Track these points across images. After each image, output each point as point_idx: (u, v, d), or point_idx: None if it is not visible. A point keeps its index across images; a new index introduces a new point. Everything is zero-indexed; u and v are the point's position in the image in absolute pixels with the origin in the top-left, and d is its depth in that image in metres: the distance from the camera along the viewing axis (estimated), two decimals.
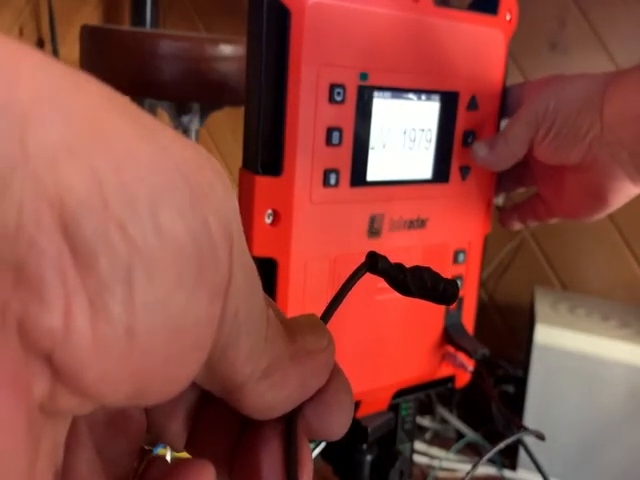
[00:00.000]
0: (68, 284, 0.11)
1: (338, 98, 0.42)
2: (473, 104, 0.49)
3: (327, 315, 0.18)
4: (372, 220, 0.45)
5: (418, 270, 0.19)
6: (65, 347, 0.11)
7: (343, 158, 0.43)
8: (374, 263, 0.19)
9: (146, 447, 0.18)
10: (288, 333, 0.16)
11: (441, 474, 0.81)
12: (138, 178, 0.11)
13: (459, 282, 0.51)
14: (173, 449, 0.18)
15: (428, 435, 0.87)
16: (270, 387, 0.15)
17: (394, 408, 0.52)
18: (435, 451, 0.84)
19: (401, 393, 0.51)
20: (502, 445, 0.40)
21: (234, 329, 0.14)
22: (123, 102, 0.12)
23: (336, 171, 0.43)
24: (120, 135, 0.12)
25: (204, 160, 0.13)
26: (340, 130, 0.42)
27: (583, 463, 0.78)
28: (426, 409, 0.90)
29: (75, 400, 0.12)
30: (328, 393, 0.17)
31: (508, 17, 0.50)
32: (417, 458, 0.81)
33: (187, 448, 0.18)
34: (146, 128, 0.12)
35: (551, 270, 1.02)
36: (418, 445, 0.83)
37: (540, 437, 0.43)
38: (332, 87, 0.41)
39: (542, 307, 0.83)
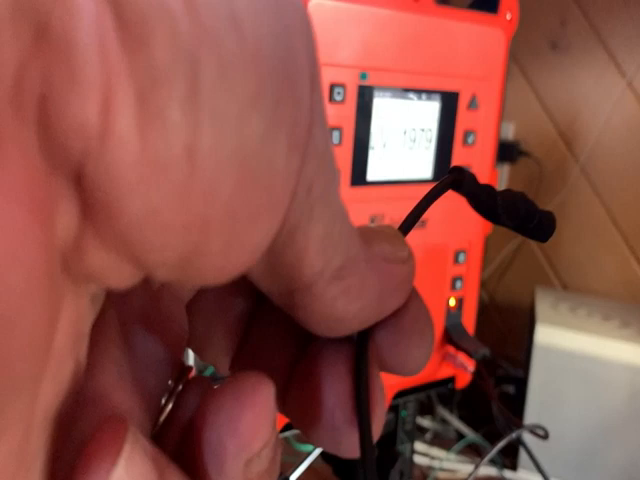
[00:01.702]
0: (109, 60, 0.08)
1: (338, 98, 0.41)
2: (473, 104, 0.48)
3: (405, 229, 0.15)
4: (372, 220, 0.45)
5: (511, 194, 0.16)
6: (102, 157, 0.08)
7: (343, 158, 0.43)
8: (459, 180, 0.16)
9: (186, 365, 0.14)
10: (363, 237, 0.13)
11: (441, 475, 0.81)
12: None
13: (460, 282, 0.51)
14: (216, 370, 0.15)
15: (428, 435, 0.87)
16: (343, 292, 0.12)
17: (394, 409, 0.52)
18: (435, 451, 0.84)
19: (401, 394, 0.51)
20: (504, 442, 0.40)
21: (306, 207, 0.11)
22: None
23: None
24: None
25: None
26: (340, 130, 0.42)
27: (584, 463, 0.78)
28: (426, 409, 0.90)
29: (107, 256, 0.09)
30: (406, 318, 0.14)
31: (509, 16, 0.49)
32: (417, 459, 0.81)
33: (232, 371, 0.15)
34: None
35: (552, 270, 1.02)
36: (418, 446, 0.83)
37: (542, 435, 0.43)
38: (332, 87, 0.41)
39: (543, 307, 0.83)
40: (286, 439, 0.73)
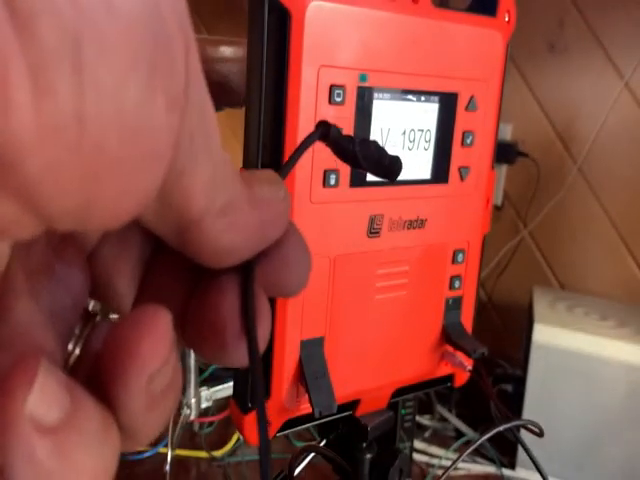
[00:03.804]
0: (4, 46, 0.09)
1: (338, 99, 0.42)
2: (472, 105, 0.49)
3: (283, 174, 0.18)
4: (372, 220, 0.45)
5: (366, 142, 0.20)
6: (3, 124, 0.09)
7: None
8: (326, 131, 0.19)
9: (90, 311, 0.16)
10: (245, 180, 0.15)
11: (440, 472, 0.81)
12: None
13: (459, 282, 0.51)
14: (119, 313, 0.17)
15: (427, 434, 0.87)
16: (228, 227, 0.14)
17: (393, 407, 0.53)
18: (434, 450, 0.84)
19: (400, 392, 0.51)
20: (492, 433, 0.40)
21: (190, 154, 0.13)
22: None
23: (336, 171, 0.43)
24: None
25: None
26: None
27: (582, 462, 0.78)
28: (425, 408, 0.90)
29: (10, 207, 0.10)
30: (285, 247, 0.17)
31: (507, 18, 0.50)
32: (416, 457, 0.82)
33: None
34: None
35: (549, 270, 1.02)
36: (417, 444, 0.83)
37: (537, 432, 0.44)
38: (332, 88, 0.41)
39: (540, 306, 0.83)
40: (286, 437, 0.74)
